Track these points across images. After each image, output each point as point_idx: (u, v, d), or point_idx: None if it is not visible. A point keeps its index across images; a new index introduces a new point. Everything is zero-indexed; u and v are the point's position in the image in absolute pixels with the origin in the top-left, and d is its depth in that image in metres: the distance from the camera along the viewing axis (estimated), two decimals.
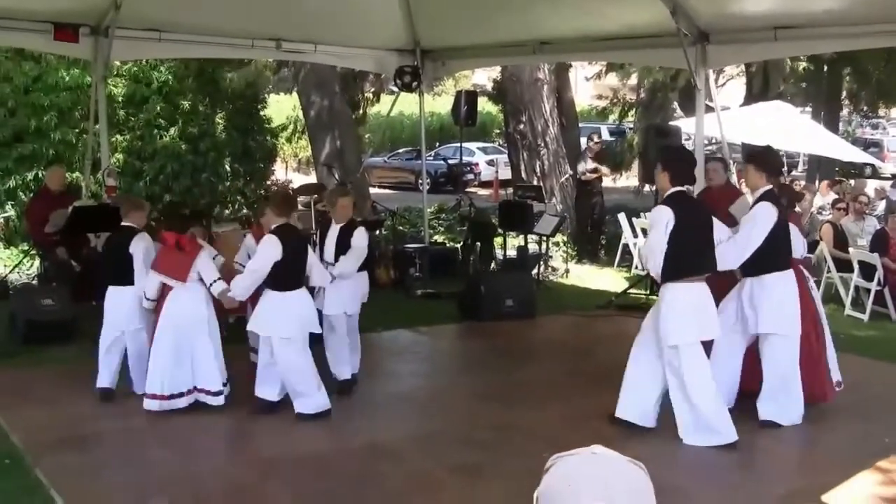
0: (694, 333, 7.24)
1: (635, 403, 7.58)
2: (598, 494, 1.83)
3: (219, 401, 7.95)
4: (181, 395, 7.92)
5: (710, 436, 7.28)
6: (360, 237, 8.57)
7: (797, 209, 8.67)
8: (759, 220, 7.67)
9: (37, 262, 13.16)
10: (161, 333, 7.94)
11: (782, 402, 7.75)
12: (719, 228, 7.68)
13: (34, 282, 12.93)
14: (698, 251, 7.33)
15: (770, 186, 7.84)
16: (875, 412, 8.35)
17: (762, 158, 8.09)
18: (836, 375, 8.30)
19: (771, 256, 7.66)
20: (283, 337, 7.69)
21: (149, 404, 7.86)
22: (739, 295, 7.86)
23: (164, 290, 7.99)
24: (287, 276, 7.74)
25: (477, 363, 10.40)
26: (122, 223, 8.46)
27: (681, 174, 7.50)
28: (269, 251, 7.66)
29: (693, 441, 7.30)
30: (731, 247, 7.64)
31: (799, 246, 8.26)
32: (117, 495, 6.47)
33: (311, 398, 7.85)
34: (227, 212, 17.63)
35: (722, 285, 7.87)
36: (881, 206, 19.14)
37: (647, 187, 20.10)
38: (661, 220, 7.20)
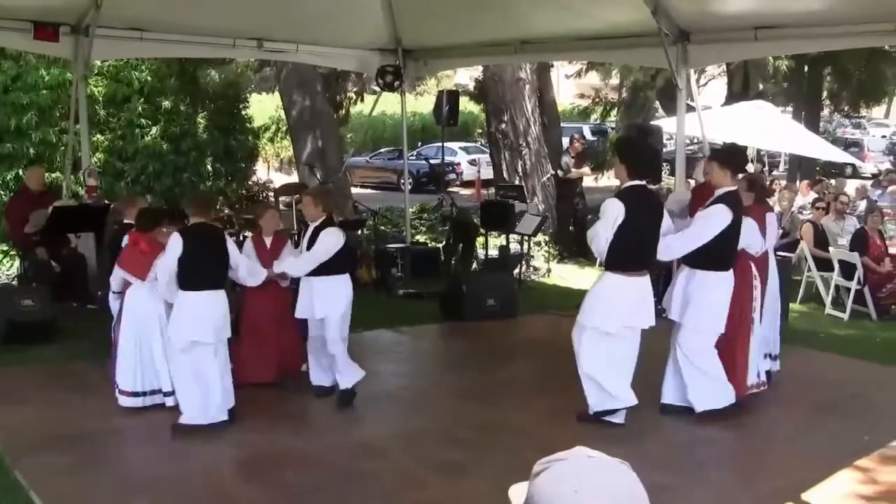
0: (608, 323, 7.48)
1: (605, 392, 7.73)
2: (603, 500, 1.82)
3: (171, 401, 7.88)
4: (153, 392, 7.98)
5: (611, 401, 7.62)
6: (324, 238, 8.24)
7: (774, 205, 8.70)
8: (712, 220, 7.72)
9: (17, 263, 13.10)
10: (125, 330, 8.00)
11: (703, 387, 7.86)
12: (666, 220, 7.79)
13: (14, 282, 12.86)
14: (642, 247, 7.54)
15: (734, 187, 7.88)
16: (854, 411, 8.39)
17: (726, 156, 8.15)
18: (752, 377, 8.28)
19: (714, 255, 7.73)
20: (191, 339, 7.53)
21: (123, 401, 7.88)
22: (678, 285, 7.99)
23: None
24: (192, 275, 7.56)
25: (459, 363, 10.42)
26: (124, 221, 8.46)
27: (640, 168, 7.63)
28: (170, 249, 7.56)
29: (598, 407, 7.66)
30: (679, 239, 7.77)
31: (755, 242, 8.28)
32: (97, 496, 6.45)
33: (192, 410, 7.58)
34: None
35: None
36: (862, 206, 19.23)
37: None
38: (612, 213, 7.39)
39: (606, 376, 7.59)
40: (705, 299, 7.73)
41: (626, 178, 7.55)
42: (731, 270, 7.86)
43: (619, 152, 7.89)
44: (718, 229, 7.65)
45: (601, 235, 7.42)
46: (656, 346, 7.92)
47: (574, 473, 1.85)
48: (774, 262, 9.07)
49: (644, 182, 7.73)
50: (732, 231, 7.74)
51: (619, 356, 7.57)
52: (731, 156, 8.22)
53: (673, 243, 7.74)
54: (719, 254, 7.75)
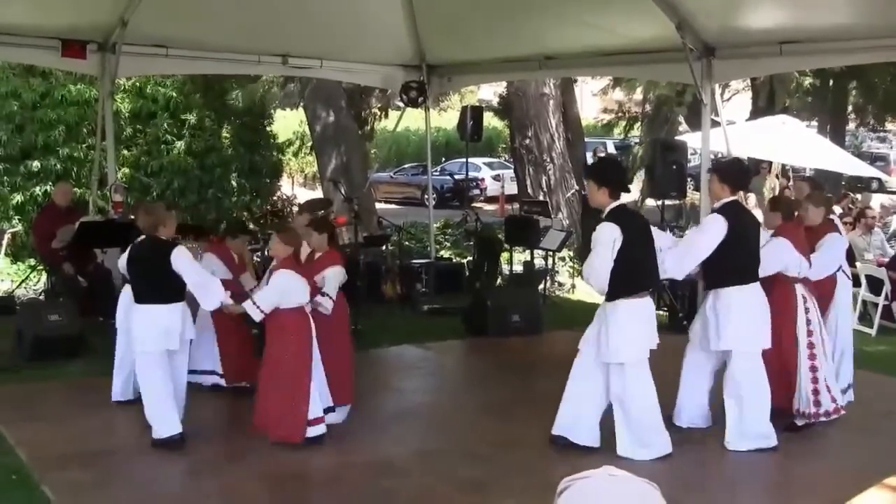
0: (642, 350, 7.20)
1: (577, 421, 7.46)
2: None
3: None
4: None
5: (644, 450, 7.23)
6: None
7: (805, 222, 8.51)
8: (704, 231, 7.62)
9: (44, 278, 13.17)
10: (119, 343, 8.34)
11: (740, 425, 7.60)
12: (661, 236, 7.66)
13: (41, 297, 12.95)
14: (645, 267, 7.29)
15: (733, 198, 7.72)
16: (885, 428, 8.32)
17: (726, 170, 8.01)
18: (825, 402, 7.97)
19: (728, 269, 7.53)
20: (140, 350, 7.61)
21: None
22: (703, 309, 7.81)
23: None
24: (142, 288, 7.69)
25: (483, 379, 10.39)
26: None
27: (618, 187, 7.35)
28: (119, 263, 7.93)
29: (629, 454, 7.19)
30: (671, 255, 7.57)
31: (792, 263, 7.96)
32: None
33: (162, 424, 7.59)
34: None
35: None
36: (894, 222, 19.10)
37: (648, 201, 20.06)
38: (609, 238, 7.07)
39: (655, 422, 7.34)
40: (730, 314, 7.49)
41: (607, 200, 7.22)
42: (758, 284, 7.64)
43: (596, 176, 7.42)
44: (714, 240, 7.46)
45: (602, 266, 7.07)
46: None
47: (597, 492, 1.85)
48: (843, 286, 8.79)
49: (623, 201, 7.44)
50: (736, 241, 7.49)
51: None
52: (732, 170, 8.06)
53: (667, 259, 7.52)
54: (732, 265, 7.52)
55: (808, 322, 7.93)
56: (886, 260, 13.81)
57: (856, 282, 13.09)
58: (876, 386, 9.73)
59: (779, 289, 7.89)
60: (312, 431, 7.52)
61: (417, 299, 13.90)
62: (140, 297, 7.67)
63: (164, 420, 7.55)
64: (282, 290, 7.47)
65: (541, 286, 14.51)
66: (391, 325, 12.03)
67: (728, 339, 7.51)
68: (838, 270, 8.56)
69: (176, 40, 12.11)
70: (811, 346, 7.90)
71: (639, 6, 10.21)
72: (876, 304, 12.75)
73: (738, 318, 7.47)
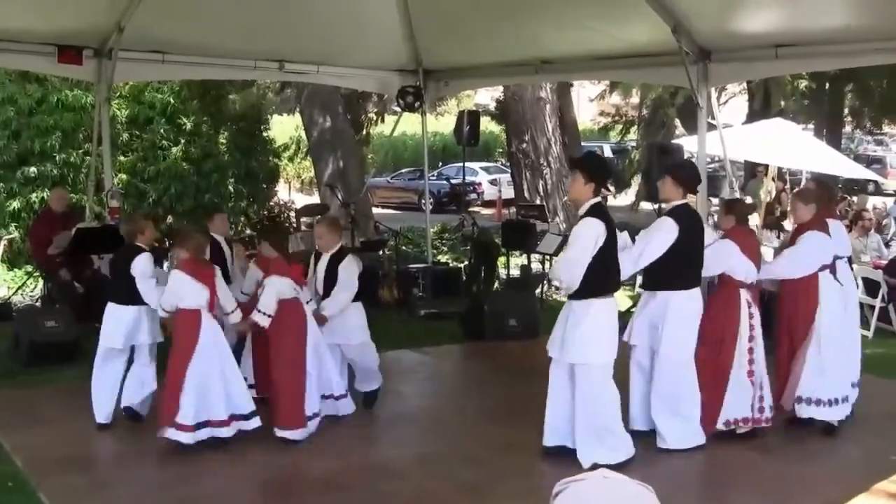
0: (612, 353, 7.11)
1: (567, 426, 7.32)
2: None
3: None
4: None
5: (611, 453, 7.08)
6: (346, 269, 8.32)
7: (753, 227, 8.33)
8: (655, 234, 7.51)
9: (40, 284, 13.17)
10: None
11: (675, 423, 7.57)
12: (618, 236, 7.63)
13: (37, 303, 12.95)
14: (616, 268, 7.19)
15: (684, 201, 7.68)
16: (880, 429, 8.33)
17: (681, 173, 7.87)
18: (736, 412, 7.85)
19: (670, 273, 7.47)
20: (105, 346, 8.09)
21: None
22: (642, 310, 7.76)
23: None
24: (112, 288, 8.22)
25: (480, 383, 10.39)
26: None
27: (603, 184, 7.28)
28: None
29: (592, 458, 6.95)
30: (625, 256, 7.42)
31: (740, 267, 7.85)
32: None
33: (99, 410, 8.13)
34: (230, 233, 17.63)
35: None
36: (893, 226, 19.13)
37: (643, 204, 20.09)
38: (594, 235, 6.95)
39: (617, 426, 7.27)
40: (668, 318, 7.43)
41: (590, 196, 7.09)
42: (698, 289, 7.58)
43: (587, 169, 7.19)
44: (665, 243, 7.41)
45: (581, 262, 6.91)
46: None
47: (592, 494, 1.85)
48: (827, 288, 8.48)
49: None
50: (683, 245, 7.45)
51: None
52: (686, 173, 7.92)
53: (621, 262, 7.35)
54: (675, 269, 7.46)
55: (751, 328, 7.82)
56: (883, 262, 13.83)
57: None
58: (871, 389, 9.72)
59: (724, 292, 7.87)
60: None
61: (414, 304, 13.90)
62: (111, 297, 8.12)
63: (96, 406, 8.13)
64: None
65: (538, 290, 14.52)
66: (388, 329, 12.01)
67: (662, 342, 7.45)
68: (822, 271, 8.19)
69: (172, 46, 12.11)
70: (751, 351, 7.82)
71: (635, 10, 10.22)
72: (872, 307, 12.75)
73: (675, 321, 7.44)
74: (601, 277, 6.98)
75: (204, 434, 7.51)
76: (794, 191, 8.87)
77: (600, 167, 7.54)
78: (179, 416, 7.41)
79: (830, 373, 8.02)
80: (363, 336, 8.63)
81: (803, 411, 8.07)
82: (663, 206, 7.89)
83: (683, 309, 7.48)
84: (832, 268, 8.21)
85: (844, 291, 8.47)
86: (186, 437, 7.43)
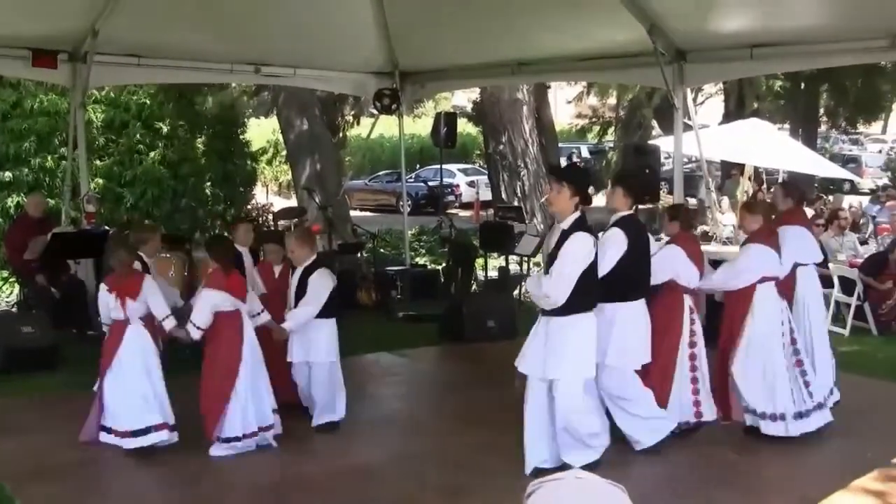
0: (592, 366, 7.04)
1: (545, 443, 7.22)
2: None
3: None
4: None
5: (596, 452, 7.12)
6: (314, 283, 8.04)
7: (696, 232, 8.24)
8: (607, 247, 7.31)
9: (16, 290, 13.09)
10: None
11: (638, 423, 7.54)
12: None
13: (14, 309, 12.86)
14: (596, 283, 7.07)
15: (631, 211, 7.61)
16: (857, 428, 8.35)
17: (632, 183, 7.75)
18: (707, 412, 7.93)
19: (617, 285, 7.27)
20: None
21: None
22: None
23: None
24: None
25: (459, 385, 10.38)
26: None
27: (587, 199, 7.10)
28: None
29: (581, 461, 6.90)
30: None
31: (685, 272, 7.83)
32: None
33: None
34: (206, 236, 17.59)
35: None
36: (871, 225, 19.27)
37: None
38: (585, 250, 6.85)
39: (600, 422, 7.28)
40: (620, 333, 7.29)
41: (571, 209, 6.93)
42: (643, 301, 7.44)
43: (575, 182, 7.03)
44: (616, 256, 7.29)
45: (571, 278, 6.77)
46: None
47: (565, 494, 1.86)
48: (807, 291, 8.65)
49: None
50: (630, 257, 7.34)
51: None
52: (637, 184, 7.86)
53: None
54: (625, 282, 7.32)
55: (692, 333, 7.83)
56: (859, 261, 13.91)
57: (829, 283, 13.19)
58: (849, 386, 9.77)
59: (666, 297, 7.80)
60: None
61: (393, 306, 13.90)
62: None
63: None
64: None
65: (516, 291, 14.54)
66: (367, 332, 12.01)
67: (606, 355, 7.30)
68: (764, 283, 8.00)
69: (148, 49, 12.07)
70: (693, 357, 7.82)
71: (610, 11, 10.25)
72: (849, 305, 12.82)
73: (618, 334, 7.33)
74: (585, 293, 6.89)
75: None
76: (743, 202, 8.83)
77: (585, 179, 7.42)
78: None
79: (753, 382, 7.92)
80: (329, 356, 8.15)
81: (747, 419, 8.07)
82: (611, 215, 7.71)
83: (631, 320, 7.35)
84: (780, 279, 8.09)
85: (803, 301, 8.47)
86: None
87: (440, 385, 10.81)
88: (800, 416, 7.88)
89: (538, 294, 7.00)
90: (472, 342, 11.72)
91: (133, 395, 7.47)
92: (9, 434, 8.16)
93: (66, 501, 6.78)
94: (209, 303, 7.53)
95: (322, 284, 8.03)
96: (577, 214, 6.95)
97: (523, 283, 14.83)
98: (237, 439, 7.53)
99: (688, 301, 7.88)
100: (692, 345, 7.83)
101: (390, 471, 7.42)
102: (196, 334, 7.53)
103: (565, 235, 6.89)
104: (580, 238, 6.85)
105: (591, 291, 6.94)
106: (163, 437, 7.53)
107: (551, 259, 6.98)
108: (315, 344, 8.05)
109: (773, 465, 7.49)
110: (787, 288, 8.29)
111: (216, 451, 7.53)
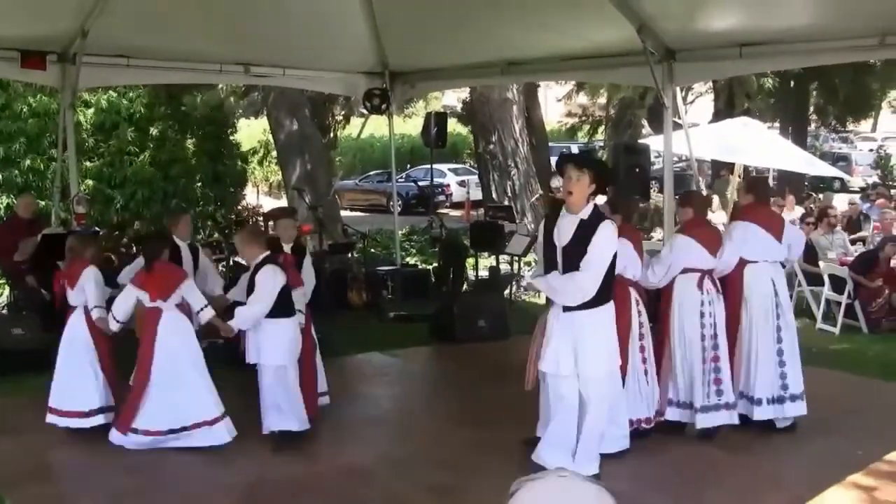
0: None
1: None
2: None
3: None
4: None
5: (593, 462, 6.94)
6: (261, 281, 7.68)
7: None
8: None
9: (6, 291, 13.05)
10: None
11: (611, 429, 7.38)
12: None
13: (4, 311, 12.83)
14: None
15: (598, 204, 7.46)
16: (847, 426, 8.38)
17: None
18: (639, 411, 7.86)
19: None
20: None
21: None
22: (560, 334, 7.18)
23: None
24: None
25: (450, 385, 10.40)
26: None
27: (603, 189, 7.10)
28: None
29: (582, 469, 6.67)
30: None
31: (631, 265, 7.72)
32: None
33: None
34: (198, 237, 17.56)
35: None
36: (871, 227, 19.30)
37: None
38: (613, 239, 6.82)
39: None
40: (593, 340, 6.97)
41: (586, 200, 6.87)
42: (612, 302, 7.13)
43: (598, 171, 7.00)
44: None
45: (603, 270, 6.79)
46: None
47: (548, 493, 1.87)
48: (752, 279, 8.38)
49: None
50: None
51: None
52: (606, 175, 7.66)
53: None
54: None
55: (641, 325, 7.82)
56: (849, 259, 13.95)
57: (819, 281, 13.24)
58: (840, 384, 9.83)
59: (616, 291, 7.49)
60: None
61: (384, 306, 13.88)
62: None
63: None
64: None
65: (507, 291, 14.54)
66: (358, 332, 12.01)
67: (587, 365, 7.00)
68: (687, 273, 8.00)
69: (137, 50, 12.03)
70: (642, 349, 7.82)
71: (600, 10, 10.23)
72: (839, 303, 12.85)
73: (593, 341, 7.07)
74: (607, 284, 6.85)
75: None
76: (679, 194, 8.79)
77: (605, 169, 7.44)
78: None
79: (680, 376, 7.99)
80: (279, 359, 7.71)
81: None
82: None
83: (602, 324, 7.03)
84: (706, 272, 8.01)
85: (747, 298, 8.18)
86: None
87: (431, 385, 10.82)
88: (706, 409, 7.86)
89: (567, 290, 6.84)
90: (463, 342, 11.72)
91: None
92: (7, 435, 8.15)
93: (62, 501, 6.77)
94: (129, 297, 7.86)
95: (267, 282, 7.63)
96: (592, 204, 6.88)
97: (514, 283, 14.87)
98: (146, 433, 7.64)
99: (633, 294, 7.83)
100: (641, 337, 7.83)
101: (382, 471, 7.42)
102: (115, 326, 7.91)
103: (589, 226, 6.78)
104: (609, 228, 6.80)
105: (610, 282, 6.91)
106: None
107: (570, 251, 6.81)
108: (263, 345, 7.70)
109: (765, 464, 7.51)
110: (732, 283, 8.18)
111: (117, 438, 7.65)
